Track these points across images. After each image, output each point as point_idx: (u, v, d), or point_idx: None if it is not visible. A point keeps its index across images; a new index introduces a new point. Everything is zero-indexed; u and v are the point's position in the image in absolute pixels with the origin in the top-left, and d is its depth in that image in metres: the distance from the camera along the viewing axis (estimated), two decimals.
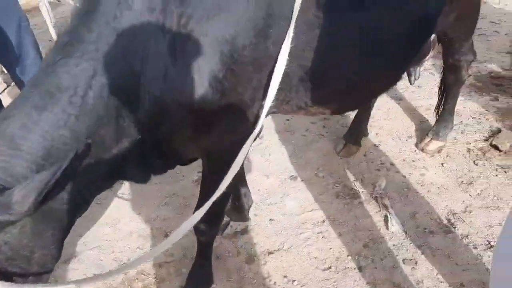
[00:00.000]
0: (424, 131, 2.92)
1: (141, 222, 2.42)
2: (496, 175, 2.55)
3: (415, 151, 2.80)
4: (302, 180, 2.63)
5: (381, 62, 1.78)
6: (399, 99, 3.31)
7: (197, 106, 1.40)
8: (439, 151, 2.76)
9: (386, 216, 2.33)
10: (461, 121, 3.00)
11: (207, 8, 1.34)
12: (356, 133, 2.81)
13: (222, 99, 1.43)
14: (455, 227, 2.25)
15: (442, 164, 2.68)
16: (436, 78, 3.51)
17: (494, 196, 2.41)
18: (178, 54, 1.33)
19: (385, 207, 2.38)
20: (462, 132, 2.91)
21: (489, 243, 2.14)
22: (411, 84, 2.96)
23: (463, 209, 2.35)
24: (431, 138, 2.79)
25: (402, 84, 3.45)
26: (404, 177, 2.60)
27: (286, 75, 1.46)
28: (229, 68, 1.38)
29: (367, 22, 1.61)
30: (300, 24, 1.43)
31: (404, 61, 1.97)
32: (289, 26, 1.39)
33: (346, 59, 1.66)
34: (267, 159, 2.81)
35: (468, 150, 2.77)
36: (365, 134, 2.89)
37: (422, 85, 3.43)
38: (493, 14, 4.53)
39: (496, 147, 2.72)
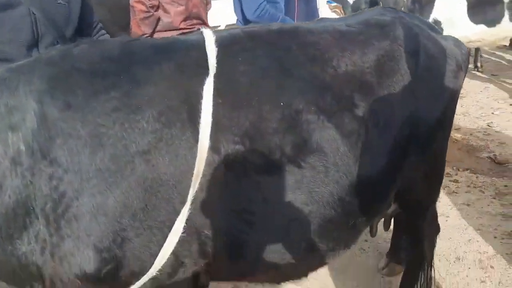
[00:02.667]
0: (473, 253, 2.77)
1: None
2: None
3: (467, 275, 2.64)
4: None
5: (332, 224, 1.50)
6: (446, 216, 3.21)
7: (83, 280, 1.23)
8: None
9: None
10: None
11: (83, 171, 1.19)
12: (400, 251, 2.71)
13: (116, 271, 1.25)
14: None
15: None
16: (485, 201, 3.40)
17: None
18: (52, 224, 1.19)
19: None
20: None
21: None
22: (372, 236, 2.24)
23: None
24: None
25: (449, 201, 3.37)
26: None
27: (199, 239, 1.32)
28: (120, 236, 1.22)
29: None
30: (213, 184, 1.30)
31: (363, 219, 1.65)
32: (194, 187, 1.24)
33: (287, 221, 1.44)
34: None
35: None
36: None
37: (470, 203, 3.33)
38: None
39: None
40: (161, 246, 1.23)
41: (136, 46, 1.42)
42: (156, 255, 1.24)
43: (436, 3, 4.69)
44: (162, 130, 1.25)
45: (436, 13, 4.68)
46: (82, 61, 1.31)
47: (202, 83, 1.29)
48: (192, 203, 1.23)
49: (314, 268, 1.69)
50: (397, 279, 2.62)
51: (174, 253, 1.25)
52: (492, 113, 5.02)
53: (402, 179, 1.71)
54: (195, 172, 1.22)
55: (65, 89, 1.24)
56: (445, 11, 4.67)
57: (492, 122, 4.79)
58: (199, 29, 1.52)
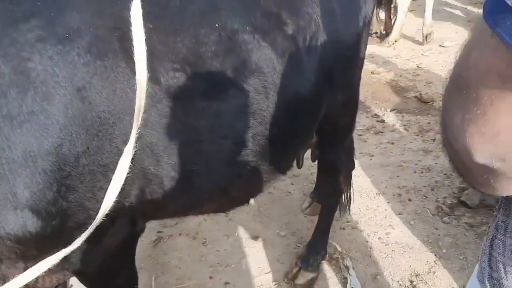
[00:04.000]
0: (393, 188, 2.86)
1: None
2: (464, 234, 2.45)
3: (385, 209, 2.73)
4: (263, 240, 2.55)
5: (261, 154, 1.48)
6: (370, 155, 3.27)
7: (21, 242, 1.08)
8: (310, 285, 2.22)
9: (345, 278, 2.22)
10: (432, 177, 2.94)
11: (10, 114, 1.00)
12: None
13: (61, 223, 1.13)
14: None
15: (409, 222, 2.59)
16: (409, 138, 3.50)
17: (460, 255, 2.30)
18: None
19: (346, 268, 2.28)
20: (432, 189, 2.84)
21: None
22: (298, 168, 2.39)
23: (427, 270, 2.24)
24: (299, 268, 2.25)
25: (375, 140, 3.44)
26: (369, 236, 2.51)
27: (145, 177, 1.25)
28: (61, 184, 1.08)
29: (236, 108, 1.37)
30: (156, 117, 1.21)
31: (293, 149, 1.71)
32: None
33: (218, 153, 1.40)
34: (230, 218, 2.75)
35: (437, 207, 2.68)
36: None
37: (395, 141, 3.41)
38: None
39: (465, 204, 2.64)
40: (105, 190, 1.11)
41: None
42: (101, 201, 1.11)
43: None
44: (94, 62, 1.10)
45: None
46: None
47: (128, 8, 1.11)
48: (136, 141, 1.10)
49: (256, 192, 1.71)
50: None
51: (119, 195, 1.13)
52: (422, 55, 5.10)
53: (325, 104, 1.70)
54: (136, 107, 1.08)
55: None
56: None
57: (421, 63, 4.88)
58: None
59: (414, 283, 2.17)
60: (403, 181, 2.96)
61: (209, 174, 1.40)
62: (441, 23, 5.87)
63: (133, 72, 1.09)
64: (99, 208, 1.10)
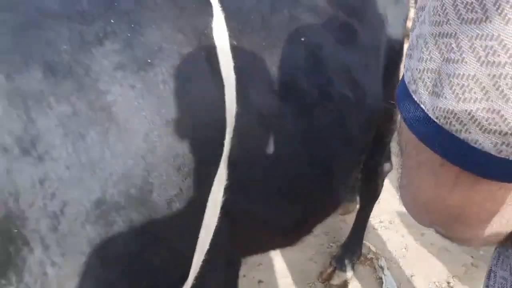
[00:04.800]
0: None
1: None
2: None
3: None
4: None
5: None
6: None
7: None
8: (345, 285, 2.21)
9: (380, 279, 2.20)
10: None
11: (91, 160, 0.81)
12: (353, 190, 2.74)
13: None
14: None
15: None
16: None
17: None
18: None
19: (381, 268, 2.26)
20: None
21: None
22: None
23: (464, 271, 2.21)
24: (334, 268, 2.23)
25: None
26: (403, 236, 2.48)
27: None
28: (152, 237, 0.92)
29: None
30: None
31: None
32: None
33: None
34: None
35: None
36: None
37: None
38: None
39: None
40: (197, 234, 0.96)
41: None
42: (194, 247, 0.97)
43: None
44: (183, 88, 0.92)
45: None
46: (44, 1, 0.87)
47: (209, 20, 0.98)
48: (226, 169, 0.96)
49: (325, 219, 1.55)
50: (350, 216, 2.67)
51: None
52: None
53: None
54: (227, 131, 0.94)
55: (42, 48, 0.82)
56: None
57: None
58: None
59: (451, 284, 2.14)
60: None
61: (295, 204, 1.25)
62: None
63: (223, 97, 0.96)
64: (192, 258, 0.96)
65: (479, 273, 2.18)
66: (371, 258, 2.34)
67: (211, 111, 0.96)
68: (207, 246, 0.95)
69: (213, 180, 0.96)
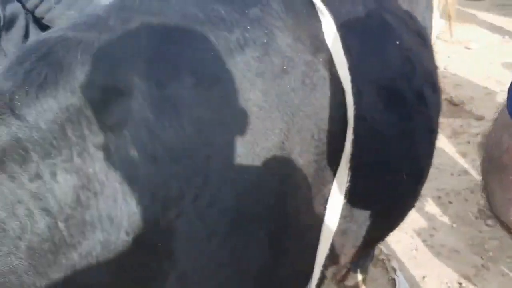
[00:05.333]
0: (431, 190, 2.86)
1: None
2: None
3: (426, 212, 2.73)
4: None
5: None
6: None
7: None
8: (360, 286, 2.22)
9: (393, 280, 2.23)
10: (471, 180, 2.94)
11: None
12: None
13: None
14: None
15: (452, 225, 2.59)
16: (442, 141, 3.50)
17: (508, 258, 2.30)
18: None
19: (393, 269, 2.29)
20: (472, 192, 2.84)
21: None
22: None
23: (475, 272, 2.24)
24: (349, 270, 2.22)
25: None
26: (413, 238, 2.52)
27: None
28: (278, 249, 0.91)
29: None
30: None
31: None
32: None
33: None
34: None
35: (479, 210, 2.68)
36: None
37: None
38: None
39: None
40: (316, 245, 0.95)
41: None
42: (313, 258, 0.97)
43: None
44: (310, 95, 0.93)
45: None
46: (173, 8, 0.86)
47: (318, 26, 0.98)
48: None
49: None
50: None
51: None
52: (448, 57, 5.09)
53: None
54: (348, 133, 0.93)
55: (191, 54, 0.83)
56: None
57: (447, 65, 4.87)
58: None
59: (463, 285, 2.18)
60: (441, 184, 2.95)
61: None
62: (466, 25, 5.85)
63: (342, 103, 0.96)
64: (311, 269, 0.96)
65: (489, 275, 2.23)
66: (383, 260, 2.36)
67: (332, 117, 0.96)
68: (324, 258, 0.95)
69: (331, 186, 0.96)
